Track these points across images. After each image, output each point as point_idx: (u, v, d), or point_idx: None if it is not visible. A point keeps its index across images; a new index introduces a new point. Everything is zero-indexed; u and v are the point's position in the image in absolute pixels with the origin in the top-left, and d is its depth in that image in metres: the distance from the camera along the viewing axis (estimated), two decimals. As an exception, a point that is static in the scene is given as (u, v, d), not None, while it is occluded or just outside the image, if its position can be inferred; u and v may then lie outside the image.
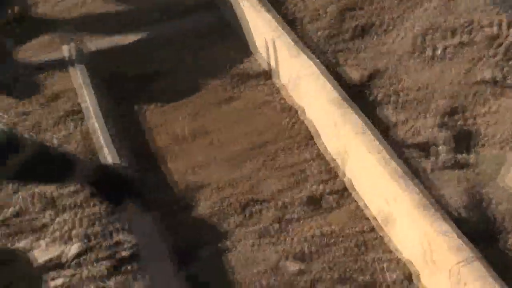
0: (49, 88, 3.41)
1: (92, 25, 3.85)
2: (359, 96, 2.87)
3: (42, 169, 2.21)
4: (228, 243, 2.44)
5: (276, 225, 2.47)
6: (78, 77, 3.20)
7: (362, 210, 2.48)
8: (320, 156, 2.74)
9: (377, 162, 2.33)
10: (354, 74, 2.99)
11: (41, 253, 2.50)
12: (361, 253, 2.33)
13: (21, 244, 2.54)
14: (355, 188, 2.55)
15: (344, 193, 2.57)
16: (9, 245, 2.54)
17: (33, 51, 3.70)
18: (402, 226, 2.25)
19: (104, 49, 3.61)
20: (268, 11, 3.27)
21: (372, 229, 2.41)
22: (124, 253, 2.44)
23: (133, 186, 2.40)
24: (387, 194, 2.30)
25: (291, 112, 2.99)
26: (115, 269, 2.39)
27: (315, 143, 2.80)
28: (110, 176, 2.33)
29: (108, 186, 2.36)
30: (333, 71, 3.01)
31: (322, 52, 3.17)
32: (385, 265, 2.27)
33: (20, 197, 2.69)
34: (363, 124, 2.50)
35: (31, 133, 2.99)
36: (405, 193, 2.19)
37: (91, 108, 2.97)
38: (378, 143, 2.40)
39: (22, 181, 2.57)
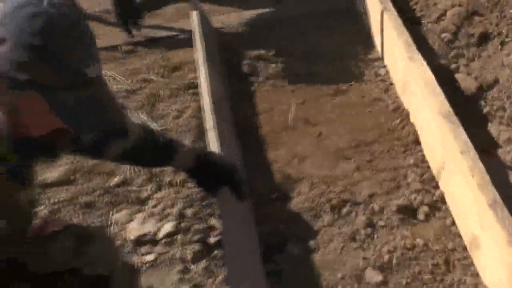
0: (172, 58, 3.50)
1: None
2: (471, 106, 2.78)
3: (144, 155, 2.23)
4: (317, 242, 2.43)
5: (367, 230, 2.44)
6: (199, 52, 3.25)
7: (455, 227, 2.40)
8: (424, 164, 2.66)
9: (476, 186, 2.22)
10: (470, 83, 2.88)
11: (137, 227, 2.60)
12: (446, 273, 2.26)
13: (120, 214, 2.65)
14: (451, 203, 2.47)
15: (441, 206, 2.49)
16: (110, 214, 2.66)
17: (164, 18, 3.81)
18: (489, 255, 2.15)
19: (228, 26, 3.67)
20: (392, 15, 3.17)
21: (462, 249, 2.33)
22: (212, 239, 2.49)
23: (230, 177, 2.41)
24: (479, 220, 2.20)
25: (403, 113, 2.91)
26: (202, 253, 2.45)
27: (421, 149, 2.72)
28: (208, 165, 2.36)
29: (205, 175, 2.38)
30: (449, 77, 2.93)
31: (442, 56, 3.09)
32: (468, 290, 2.22)
33: (126, 167, 2.80)
34: (469, 143, 2.38)
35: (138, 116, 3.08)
36: (497, 225, 2.08)
37: (205, 86, 2.99)
38: (480, 165, 2.28)
39: (123, 163, 2.67)
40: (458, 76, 2.95)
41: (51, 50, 1.44)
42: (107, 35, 3.75)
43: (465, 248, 2.33)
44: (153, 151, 2.22)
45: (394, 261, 2.32)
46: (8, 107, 1.49)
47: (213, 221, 2.54)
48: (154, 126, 3.03)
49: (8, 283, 1.82)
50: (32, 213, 1.92)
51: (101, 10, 4.02)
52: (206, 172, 2.34)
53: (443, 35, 3.18)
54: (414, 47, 2.87)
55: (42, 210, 2.66)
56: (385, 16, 3.15)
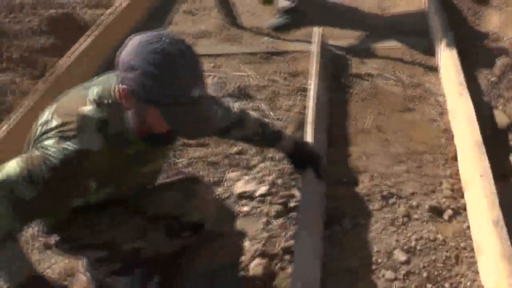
0: (295, 66, 3.35)
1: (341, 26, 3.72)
2: (501, 138, 2.49)
3: (255, 140, 2.21)
4: (365, 221, 2.24)
5: (403, 220, 2.22)
6: (312, 64, 3.07)
7: (469, 231, 2.15)
8: (457, 177, 2.40)
9: (486, 204, 1.99)
10: (504, 120, 2.57)
11: (242, 185, 2.51)
12: (454, 265, 2.03)
13: (233, 174, 2.57)
14: (469, 212, 2.21)
15: (462, 212, 2.23)
16: (226, 172, 2.58)
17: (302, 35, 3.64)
18: (487, 260, 1.92)
19: (340, 47, 3.48)
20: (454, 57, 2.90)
21: (470, 249, 2.08)
22: (292, 204, 2.37)
23: (315, 162, 2.28)
24: (485, 230, 1.96)
25: (449, 134, 2.64)
26: (282, 213, 2.33)
27: (457, 165, 2.45)
28: (300, 152, 2.24)
29: (297, 158, 2.26)
30: (488, 111, 2.64)
31: (486, 94, 2.78)
32: (468, 283, 1.96)
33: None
34: (489, 169, 2.12)
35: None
36: (496, 239, 1.85)
37: (312, 91, 2.83)
38: (493, 188, 2.02)
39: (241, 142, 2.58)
40: (495, 112, 2.64)
41: (165, 78, 1.41)
42: (253, 45, 3.65)
43: (472, 249, 2.08)
44: (263, 138, 2.16)
45: (418, 247, 2.11)
46: (139, 113, 1.51)
47: (295, 191, 2.41)
48: (270, 114, 2.92)
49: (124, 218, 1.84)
50: (157, 177, 1.95)
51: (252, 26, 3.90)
52: (298, 156, 2.24)
53: (489, 77, 2.85)
54: (464, 86, 2.61)
55: (182, 162, 2.64)
56: (449, 60, 2.87)
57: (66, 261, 2.18)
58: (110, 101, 1.54)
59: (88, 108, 1.54)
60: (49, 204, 1.56)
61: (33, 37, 3.57)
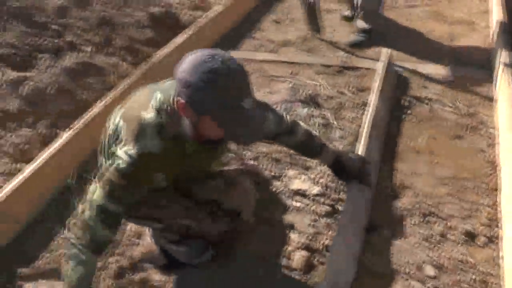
0: (363, 82, 3.28)
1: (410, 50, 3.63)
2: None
3: (301, 150, 2.20)
4: (402, 233, 2.19)
5: (438, 238, 2.15)
6: (376, 82, 3.00)
7: (499, 259, 2.05)
8: (494, 206, 2.28)
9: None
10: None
11: (298, 183, 2.50)
12: (479, 289, 1.96)
13: (292, 172, 2.56)
14: (503, 241, 2.10)
15: (495, 241, 2.13)
16: (286, 169, 2.58)
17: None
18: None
19: (403, 71, 3.37)
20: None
21: (497, 276, 1.98)
22: (339, 207, 2.32)
23: (357, 174, 2.25)
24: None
25: (494, 165, 2.50)
26: (329, 214, 2.31)
27: (497, 195, 2.33)
28: (340, 165, 2.22)
29: (338, 169, 2.25)
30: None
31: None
32: (489, 308, 1.89)
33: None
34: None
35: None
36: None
37: (372, 107, 2.77)
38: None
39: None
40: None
41: (216, 94, 1.44)
42: (328, 58, 3.60)
43: (500, 278, 1.98)
44: (307, 148, 2.17)
45: (447, 266, 2.04)
46: (194, 121, 1.56)
47: (344, 196, 2.37)
48: (334, 123, 2.87)
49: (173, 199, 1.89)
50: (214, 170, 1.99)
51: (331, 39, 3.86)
52: (338, 168, 2.24)
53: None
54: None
55: (247, 154, 2.65)
56: (507, 96, 2.72)
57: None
58: (169, 108, 1.59)
59: (149, 115, 1.60)
60: (134, 205, 1.69)
61: (138, 30, 3.69)
